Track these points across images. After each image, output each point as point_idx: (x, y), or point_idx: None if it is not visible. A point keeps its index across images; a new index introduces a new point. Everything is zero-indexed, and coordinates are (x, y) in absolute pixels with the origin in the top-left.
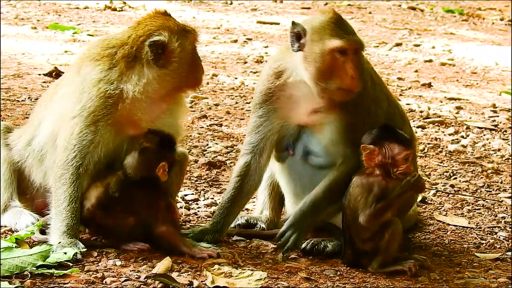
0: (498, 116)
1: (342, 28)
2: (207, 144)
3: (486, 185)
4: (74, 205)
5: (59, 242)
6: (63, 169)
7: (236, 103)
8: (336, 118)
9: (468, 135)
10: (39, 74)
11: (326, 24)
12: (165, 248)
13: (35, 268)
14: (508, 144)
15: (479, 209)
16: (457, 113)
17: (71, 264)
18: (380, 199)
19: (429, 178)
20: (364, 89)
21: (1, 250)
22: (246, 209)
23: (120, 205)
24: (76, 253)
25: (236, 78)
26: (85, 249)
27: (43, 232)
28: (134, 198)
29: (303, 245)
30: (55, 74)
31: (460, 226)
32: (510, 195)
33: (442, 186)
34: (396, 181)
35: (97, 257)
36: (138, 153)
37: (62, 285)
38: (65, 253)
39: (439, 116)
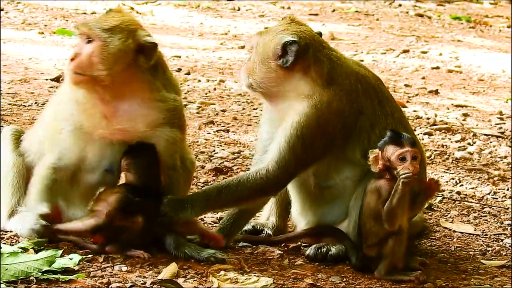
0: (504, 123)
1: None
2: (214, 150)
3: (492, 192)
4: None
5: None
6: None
7: (243, 109)
8: (285, 128)
9: (474, 142)
10: (46, 79)
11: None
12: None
13: (40, 274)
14: None
15: (485, 216)
16: (464, 120)
17: (76, 269)
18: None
19: None
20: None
21: (6, 255)
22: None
23: (134, 208)
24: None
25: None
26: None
27: None
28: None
29: (307, 252)
30: (62, 79)
31: (466, 233)
32: None
33: (449, 193)
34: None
35: (103, 263)
36: (146, 166)
37: None
38: (71, 258)
39: (446, 123)
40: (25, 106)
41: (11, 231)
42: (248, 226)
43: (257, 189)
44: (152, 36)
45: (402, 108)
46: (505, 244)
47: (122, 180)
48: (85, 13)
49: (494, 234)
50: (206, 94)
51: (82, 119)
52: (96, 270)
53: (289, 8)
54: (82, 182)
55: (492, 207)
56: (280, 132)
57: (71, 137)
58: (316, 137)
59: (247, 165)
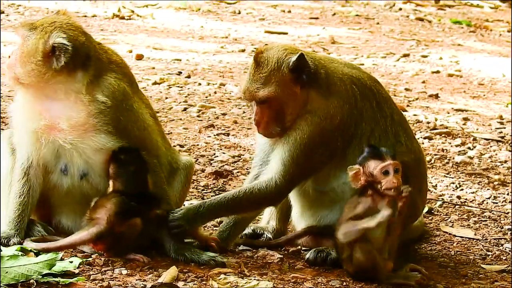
0: (505, 128)
1: (248, 79)
2: (214, 154)
3: (492, 196)
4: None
5: (4, 231)
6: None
7: (244, 112)
8: (291, 136)
9: (475, 147)
10: None
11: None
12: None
13: (40, 277)
14: None
15: (485, 220)
16: (464, 124)
17: (76, 272)
18: (359, 218)
19: (435, 189)
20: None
21: (7, 258)
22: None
23: (131, 213)
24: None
25: None
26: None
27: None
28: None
29: (307, 255)
30: None
31: (466, 238)
32: None
33: (449, 197)
34: (389, 200)
35: (103, 266)
36: (133, 172)
37: None
38: (71, 262)
39: (446, 127)
40: None
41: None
42: (248, 230)
43: (262, 199)
44: (68, 38)
45: (402, 112)
46: (505, 249)
47: (110, 188)
48: (85, 16)
49: (494, 239)
50: (206, 97)
51: (27, 119)
52: (96, 274)
53: (289, 11)
54: (59, 186)
55: (492, 212)
56: (283, 145)
57: (26, 137)
58: (320, 149)
59: (247, 169)
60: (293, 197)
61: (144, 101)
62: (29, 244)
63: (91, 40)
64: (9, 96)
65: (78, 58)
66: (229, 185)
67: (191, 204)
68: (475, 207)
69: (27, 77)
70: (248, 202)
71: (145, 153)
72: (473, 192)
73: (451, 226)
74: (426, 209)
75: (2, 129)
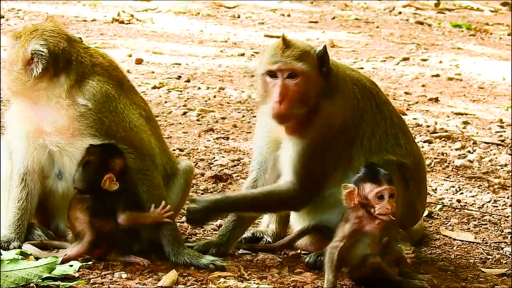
0: (505, 131)
1: (278, 53)
2: (214, 157)
3: (492, 200)
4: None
5: (4, 235)
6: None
7: (243, 116)
8: (296, 140)
9: (475, 150)
10: None
11: (267, 49)
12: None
13: (40, 280)
14: None
15: (486, 224)
16: (464, 128)
17: (76, 276)
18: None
19: (435, 192)
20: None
21: (7, 262)
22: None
23: (107, 206)
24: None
25: (243, 92)
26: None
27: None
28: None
29: (307, 259)
30: None
31: (466, 241)
32: None
33: (449, 201)
34: (380, 223)
35: (103, 270)
36: (81, 167)
37: None
38: (71, 265)
39: (446, 131)
40: None
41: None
42: (247, 234)
43: (282, 203)
44: (47, 45)
45: (402, 116)
46: (505, 252)
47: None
48: (85, 21)
49: (495, 242)
50: (206, 101)
51: (19, 125)
52: (96, 277)
53: (289, 15)
54: (55, 191)
55: (492, 215)
56: (292, 150)
57: (19, 142)
58: (325, 151)
59: (246, 173)
60: None
61: (136, 102)
62: (27, 247)
63: (75, 45)
64: (8, 101)
65: (58, 64)
66: (229, 188)
67: (209, 197)
68: (475, 211)
69: (13, 86)
70: (268, 205)
71: (134, 154)
72: (473, 196)
73: (451, 230)
74: (426, 213)
75: (2, 134)
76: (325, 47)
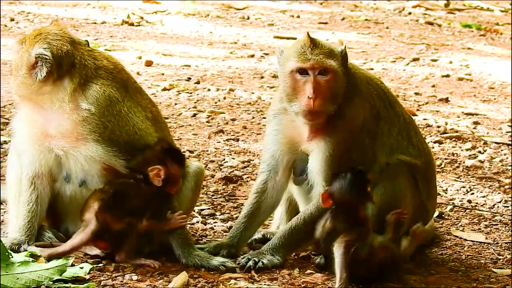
0: None
1: (308, 50)
2: (224, 159)
3: (503, 200)
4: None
5: (14, 238)
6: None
7: (253, 118)
8: (322, 145)
9: (485, 150)
10: None
11: (293, 46)
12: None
13: (51, 283)
14: None
15: (496, 224)
16: (474, 128)
17: (87, 278)
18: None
19: (446, 193)
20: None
21: (18, 264)
22: (263, 224)
23: (124, 207)
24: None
25: (253, 93)
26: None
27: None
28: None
29: (317, 260)
30: None
31: (477, 242)
32: None
33: (459, 201)
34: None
35: (113, 272)
36: (145, 150)
37: None
38: (82, 267)
39: (456, 131)
40: None
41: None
42: (258, 235)
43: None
44: (50, 49)
45: (412, 117)
46: None
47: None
48: (95, 23)
49: (506, 243)
50: (215, 103)
51: (26, 129)
52: (106, 279)
53: (298, 16)
54: (63, 194)
55: (503, 216)
56: (320, 157)
57: (27, 146)
58: (352, 151)
59: (256, 174)
60: (301, 201)
61: (142, 104)
62: (34, 249)
63: (79, 48)
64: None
65: (61, 67)
66: (239, 190)
67: (256, 249)
68: (486, 211)
69: (19, 90)
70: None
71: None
72: (483, 196)
73: (461, 230)
74: (436, 213)
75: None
76: (345, 47)
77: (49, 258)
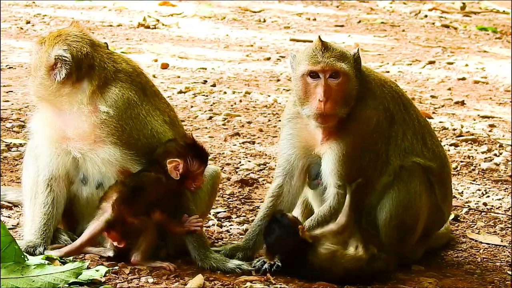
0: None
1: (319, 53)
2: (240, 162)
3: None
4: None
5: (30, 241)
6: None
7: (269, 120)
8: (334, 147)
9: (501, 153)
10: None
11: (305, 50)
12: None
13: (67, 285)
14: None
15: None
16: (490, 131)
17: (103, 281)
18: None
19: (461, 196)
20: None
21: (33, 267)
22: None
23: (142, 200)
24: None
25: (269, 96)
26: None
27: None
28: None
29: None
30: None
31: (492, 244)
32: None
33: (475, 204)
34: None
35: (129, 275)
36: (168, 141)
37: None
38: (97, 270)
39: (472, 134)
40: None
41: None
42: None
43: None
44: (70, 50)
45: (428, 119)
46: None
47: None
48: (111, 26)
49: None
50: (231, 106)
51: (44, 131)
52: (122, 282)
53: (314, 19)
54: (79, 196)
55: None
56: (332, 158)
57: (44, 148)
58: (365, 155)
59: (272, 177)
60: (316, 205)
61: (160, 108)
62: (51, 253)
63: (98, 50)
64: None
65: (81, 69)
66: (255, 193)
67: None
68: (502, 214)
69: (37, 91)
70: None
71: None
72: (499, 199)
73: (477, 233)
74: (452, 216)
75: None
76: (358, 50)
77: (66, 257)
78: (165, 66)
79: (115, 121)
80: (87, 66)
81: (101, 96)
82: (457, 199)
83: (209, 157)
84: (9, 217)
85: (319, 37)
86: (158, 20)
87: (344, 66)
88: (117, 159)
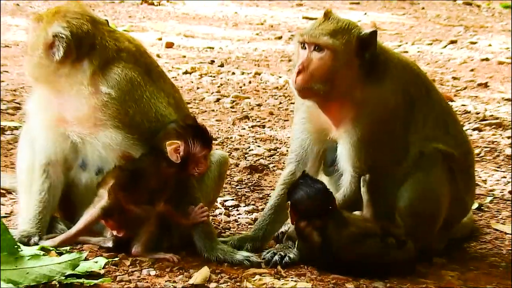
0: None
1: (314, 25)
2: (249, 147)
3: None
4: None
5: (24, 230)
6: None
7: (280, 103)
8: (350, 131)
9: None
10: None
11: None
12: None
13: (63, 278)
14: None
15: None
16: None
17: (102, 273)
18: None
19: (485, 184)
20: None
21: (28, 258)
22: None
23: (141, 187)
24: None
25: (280, 77)
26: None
27: None
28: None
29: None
30: None
31: None
32: None
33: (500, 192)
34: None
35: (130, 267)
36: (168, 123)
37: None
38: (96, 262)
39: (496, 118)
40: None
41: None
42: (285, 228)
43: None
44: (69, 28)
45: (449, 103)
46: None
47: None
48: (113, 2)
49: None
50: (240, 87)
51: (40, 114)
52: (122, 274)
53: None
54: (78, 182)
55: None
56: (347, 143)
57: (41, 132)
58: (383, 141)
59: (284, 163)
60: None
61: (165, 89)
62: (45, 243)
63: (100, 28)
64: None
65: (81, 48)
66: (265, 180)
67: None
68: None
69: (34, 71)
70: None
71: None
72: None
73: (502, 223)
74: (475, 206)
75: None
76: (374, 32)
77: (61, 247)
78: (170, 45)
79: (117, 103)
80: (87, 44)
81: (103, 77)
82: (481, 187)
83: (216, 141)
84: (2, 204)
85: (328, 9)
86: None
87: (331, 41)
88: (119, 143)
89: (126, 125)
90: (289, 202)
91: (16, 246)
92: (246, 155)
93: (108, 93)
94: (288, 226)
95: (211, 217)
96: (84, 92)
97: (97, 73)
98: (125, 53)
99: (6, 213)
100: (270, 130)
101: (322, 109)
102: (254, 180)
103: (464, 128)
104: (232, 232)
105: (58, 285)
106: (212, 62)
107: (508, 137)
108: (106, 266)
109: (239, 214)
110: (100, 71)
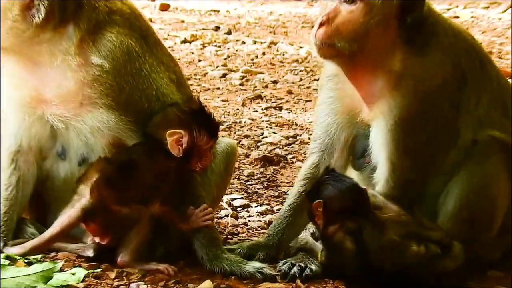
0: None
1: None
2: (262, 134)
3: None
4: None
5: None
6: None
7: (301, 79)
8: (386, 110)
9: None
10: None
11: None
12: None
13: None
14: None
15: None
16: None
17: (81, 287)
18: None
19: None
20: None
21: None
22: None
23: (131, 184)
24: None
25: (301, 48)
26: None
27: None
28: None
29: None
30: None
31: None
32: None
33: None
34: None
35: (115, 280)
36: (167, 106)
37: None
38: (73, 274)
39: None
40: None
41: None
42: (305, 233)
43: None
44: None
45: (509, 80)
46: None
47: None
48: None
49: None
50: (252, 60)
51: (11, 91)
52: None
53: None
54: (55, 175)
55: None
56: (382, 129)
57: (11, 113)
58: (427, 124)
59: (305, 153)
60: None
61: (164, 62)
62: (11, 250)
63: None
64: None
65: (65, 9)
66: (282, 174)
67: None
68: None
69: (5, 38)
70: None
71: None
72: None
73: None
74: None
75: None
76: None
77: (31, 255)
78: (165, 8)
79: (111, 78)
80: (73, 4)
81: (93, 45)
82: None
83: (221, 127)
84: None
85: None
86: None
87: None
88: (111, 127)
89: (120, 105)
90: (316, 201)
91: None
92: (258, 144)
93: (100, 65)
94: (310, 230)
95: (215, 220)
96: (69, 63)
97: (85, 40)
98: (118, 16)
99: None
100: (288, 113)
101: (349, 78)
102: (268, 174)
103: None
104: (241, 238)
105: None
106: (217, 28)
107: None
108: (86, 279)
109: (249, 216)
110: (90, 37)
